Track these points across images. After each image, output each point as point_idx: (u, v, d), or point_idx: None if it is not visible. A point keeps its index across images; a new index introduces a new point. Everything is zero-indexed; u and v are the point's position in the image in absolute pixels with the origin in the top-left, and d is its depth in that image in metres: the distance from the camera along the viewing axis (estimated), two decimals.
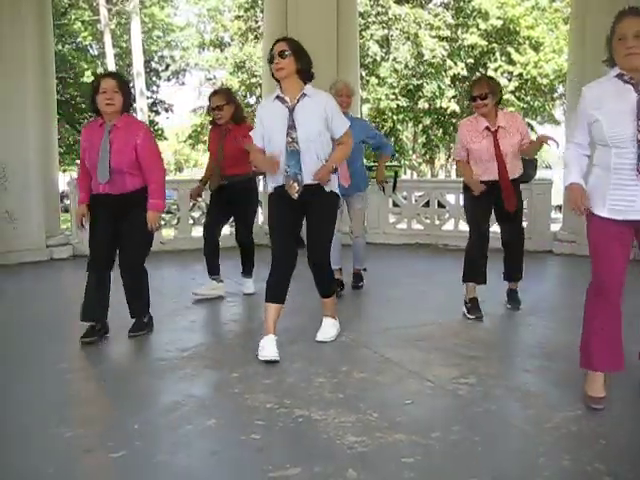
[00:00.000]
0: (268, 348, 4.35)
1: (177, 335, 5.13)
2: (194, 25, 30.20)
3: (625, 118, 3.39)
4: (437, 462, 2.92)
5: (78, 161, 5.37)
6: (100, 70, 27.21)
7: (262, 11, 18.39)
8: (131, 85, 27.50)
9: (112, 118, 4.77)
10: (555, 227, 9.91)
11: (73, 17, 26.77)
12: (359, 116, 7.08)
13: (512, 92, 25.31)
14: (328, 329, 4.90)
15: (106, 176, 4.74)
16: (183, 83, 31.43)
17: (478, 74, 22.71)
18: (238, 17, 26.72)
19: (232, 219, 6.71)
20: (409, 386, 3.86)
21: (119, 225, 4.85)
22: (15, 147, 8.36)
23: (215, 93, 6.31)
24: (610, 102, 3.45)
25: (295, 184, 4.50)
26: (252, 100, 27.40)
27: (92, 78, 25.41)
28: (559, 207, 12.49)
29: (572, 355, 4.40)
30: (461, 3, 25.96)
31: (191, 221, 10.23)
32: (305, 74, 4.59)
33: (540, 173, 10.18)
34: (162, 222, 10.03)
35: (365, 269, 6.98)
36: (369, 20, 24.32)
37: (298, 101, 4.50)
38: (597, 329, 3.55)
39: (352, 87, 6.64)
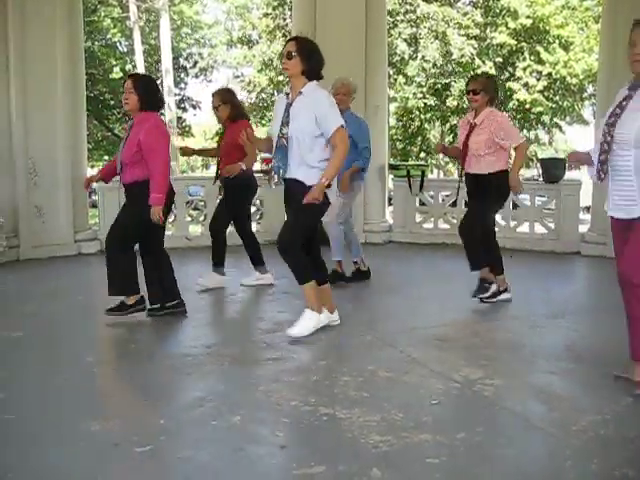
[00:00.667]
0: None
1: (202, 331, 5.16)
2: (222, 23, 30.32)
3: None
4: (462, 463, 2.90)
5: (107, 157, 5.62)
6: (129, 67, 27.47)
7: (290, 9, 18.41)
8: (159, 82, 27.74)
9: (133, 115, 5.23)
10: (583, 228, 9.81)
11: (103, 14, 26.97)
12: (361, 116, 7.04)
13: (540, 92, 25.07)
14: (303, 322, 4.84)
15: (118, 166, 5.24)
16: (211, 80, 31.49)
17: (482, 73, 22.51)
18: (266, 15, 26.73)
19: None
20: (434, 386, 3.84)
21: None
22: (45, 143, 8.44)
23: (213, 94, 6.59)
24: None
25: (275, 176, 4.78)
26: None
27: (121, 74, 25.75)
28: (587, 208, 12.38)
29: (599, 358, 4.37)
30: (490, 2, 25.75)
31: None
32: (311, 74, 4.70)
33: (569, 174, 10.08)
34: (189, 218, 10.14)
35: (357, 262, 6.96)
36: (397, 18, 24.22)
37: (295, 99, 4.71)
38: None
39: (351, 85, 6.79)
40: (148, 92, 5.20)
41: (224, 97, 6.51)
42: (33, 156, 8.38)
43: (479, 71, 24.61)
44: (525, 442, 3.16)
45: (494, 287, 5.86)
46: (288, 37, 7.24)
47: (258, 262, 6.70)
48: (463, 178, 6.06)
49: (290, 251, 4.81)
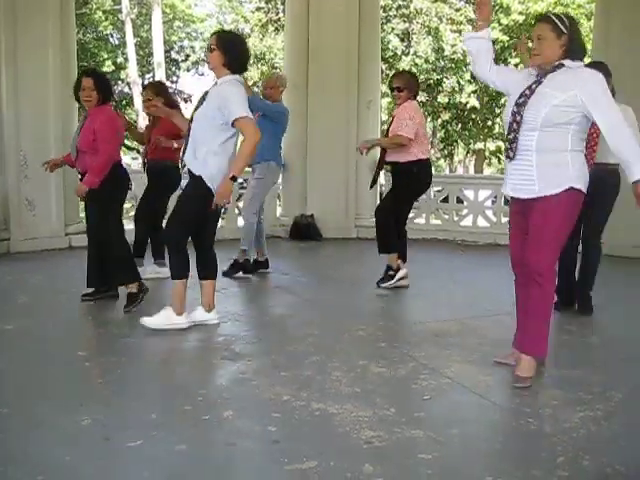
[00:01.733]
0: None
1: (194, 326, 5.14)
2: (214, 16, 30.25)
3: None
4: (454, 459, 2.90)
5: None
6: (120, 59, 27.38)
7: (283, 3, 18.37)
8: (150, 75, 27.67)
9: (89, 108, 5.55)
10: None
11: (94, 6, 26.86)
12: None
13: None
14: (158, 316, 4.86)
15: (74, 154, 5.58)
16: (203, 74, 31.42)
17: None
18: (259, 9, 26.68)
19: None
20: (427, 382, 3.84)
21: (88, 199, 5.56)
22: (36, 135, 8.39)
23: (144, 87, 7.00)
24: None
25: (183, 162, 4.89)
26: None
27: (112, 67, 25.69)
28: None
29: (593, 356, 4.39)
30: None
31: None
32: (232, 65, 4.77)
33: None
34: None
35: (245, 252, 6.82)
36: (390, 13, 24.21)
37: (211, 88, 4.85)
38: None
39: (278, 78, 7.22)
40: (105, 88, 5.54)
41: (157, 89, 6.75)
42: (24, 149, 8.33)
43: (471, 68, 24.67)
44: (518, 439, 3.17)
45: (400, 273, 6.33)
46: (280, 32, 7.39)
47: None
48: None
49: (172, 242, 4.86)
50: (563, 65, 3.76)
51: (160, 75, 24.58)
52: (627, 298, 6.24)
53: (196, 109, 4.83)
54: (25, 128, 8.31)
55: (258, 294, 6.20)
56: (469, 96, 25.53)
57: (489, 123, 26.70)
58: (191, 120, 4.83)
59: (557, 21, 3.77)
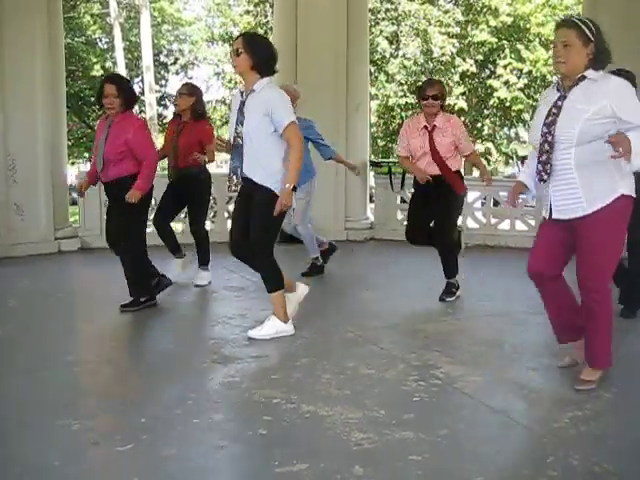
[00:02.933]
0: None
1: (184, 329, 5.14)
2: (203, 19, 30.19)
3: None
4: (444, 460, 2.91)
5: (87, 154, 5.66)
6: (109, 63, 27.30)
7: (272, 6, 18.37)
8: (139, 79, 27.63)
9: (113, 115, 5.41)
10: None
11: (83, 10, 26.79)
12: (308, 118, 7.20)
13: (521, 89, 25.18)
14: (265, 326, 4.81)
15: (100, 164, 5.39)
16: (192, 77, 31.31)
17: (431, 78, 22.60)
18: (247, 12, 26.67)
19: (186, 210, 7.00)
20: (417, 383, 3.84)
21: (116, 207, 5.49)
22: (24, 140, 8.36)
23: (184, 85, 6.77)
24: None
25: (234, 177, 4.72)
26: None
27: (101, 72, 25.58)
28: None
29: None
30: (471, 0, 25.86)
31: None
32: (261, 68, 4.60)
33: None
34: None
35: (317, 258, 7.17)
36: (379, 16, 24.25)
37: (248, 96, 4.63)
38: None
39: (297, 91, 6.89)
40: (129, 94, 5.47)
41: (193, 90, 6.53)
42: (12, 153, 8.30)
43: (460, 70, 24.75)
44: (506, 438, 3.18)
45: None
46: (269, 35, 7.34)
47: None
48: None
49: (262, 255, 4.76)
50: (585, 77, 3.59)
51: (149, 79, 24.54)
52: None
53: (239, 123, 4.65)
54: (13, 132, 8.26)
55: (247, 297, 6.19)
56: (457, 98, 25.58)
57: (478, 125, 26.75)
58: (237, 134, 4.66)
59: (584, 27, 3.58)
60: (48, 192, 8.60)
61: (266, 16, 25.26)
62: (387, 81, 25.38)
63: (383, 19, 24.51)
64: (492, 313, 5.52)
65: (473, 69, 25.26)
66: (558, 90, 3.70)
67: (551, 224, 3.81)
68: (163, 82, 30.50)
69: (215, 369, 4.17)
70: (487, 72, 26.10)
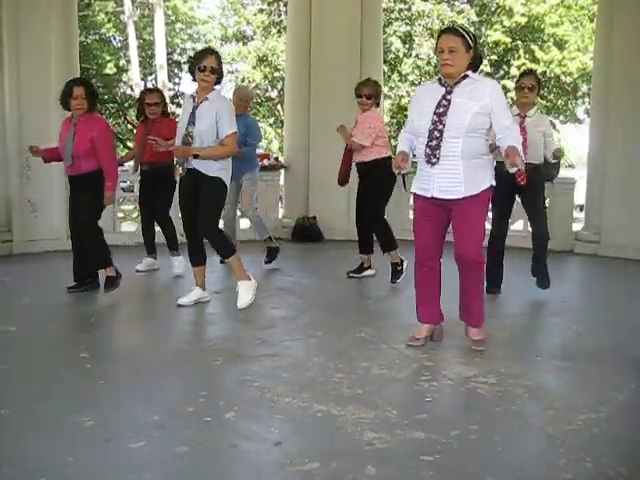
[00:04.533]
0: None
1: (196, 327, 5.15)
2: (217, 18, 30.24)
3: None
4: (456, 461, 2.90)
5: None
6: (122, 62, 27.39)
7: (285, 5, 18.37)
8: (152, 77, 27.71)
9: (79, 115, 5.96)
10: (577, 227, 9.83)
11: (97, 8, 26.87)
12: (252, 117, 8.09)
13: None
14: (242, 294, 5.36)
15: (69, 160, 5.93)
16: None
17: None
18: (261, 10, 26.66)
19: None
20: (429, 383, 3.83)
21: (79, 198, 6.02)
22: (38, 138, 8.34)
23: (151, 91, 7.39)
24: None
25: (180, 168, 5.59)
26: (274, 94, 27.34)
27: (115, 70, 25.68)
28: (581, 207, 12.40)
29: (595, 357, 4.39)
30: (485, 0, 25.77)
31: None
32: (219, 83, 5.49)
33: (563, 172, 10.10)
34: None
35: (270, 238, 7.83)
36: (392, 16, 24.19)
37: (201, 102, 5.35)
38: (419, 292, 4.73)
39: (246, 93, 7.97)
40: (93, 97, 6.06)
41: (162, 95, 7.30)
42: (26, 151, 8.33)
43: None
44: (519, 440, 3.17)
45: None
46: (283, 34, 7.84)
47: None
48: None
49: (213, 232, 5.41)
50: (467, 76, 4.22)
51: (162, 77, 24.59)
52: (629, 299, 6.23)
53: (190, 123, 5.39)
54: (28, 130, 8.31)
55: (261, 295, 6.19)
56: None
57: None
58: (187, 133, 5.38)
59: (467, 36, 4.19)
60: (61, 189, 8.63)
61: (280, 15, 25.25)
62: (400, 81, 25.33)
63: (397, 19, 24.44)
64: (505, 314, 5.49)
65: (487, 69, 25.15)
66: (442, 85, 4.26)
67: (429, 209, 4.41)
68: (177, 80, 30.57)
69: (227, 367, 4.18)
70: (501, 72, 25.98)
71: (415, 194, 4.47)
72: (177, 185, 6.79)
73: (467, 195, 4.24)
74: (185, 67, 29.94)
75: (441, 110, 4.18)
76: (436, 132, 4.17)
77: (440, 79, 4.31)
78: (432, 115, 4.20)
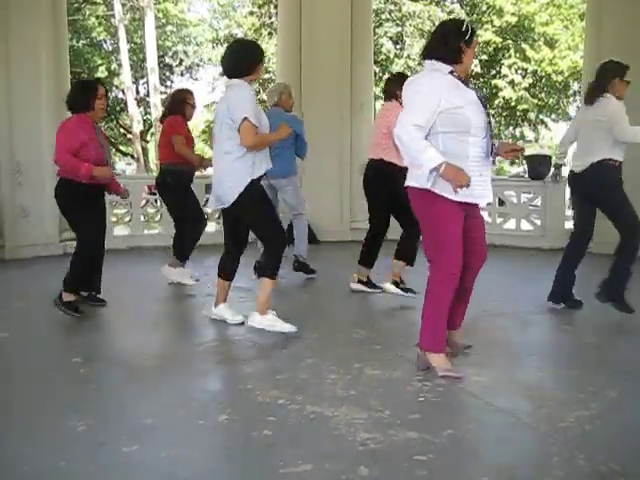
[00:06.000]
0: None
1: (189, 330, 5.14)
2: (208, 21, 30.23)
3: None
4: (449, 460, 2.90)
5: None
6: (114, 65, 27.35)
7: (276, 7, 18.38)
8: (144, 81, 27.69)
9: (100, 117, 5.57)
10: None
11: (87, 12, 26.86)
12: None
13: (526, 89, 25.17)
14: (257, 320, 5.03)
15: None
16: (197, 78, 31.48)
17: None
18: (252, 13, 26.69)
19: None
20: (422, 383, 3.84)
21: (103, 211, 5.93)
22: (29, 143, 8.39)
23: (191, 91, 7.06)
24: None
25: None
26: (265, 96, 27.34)
27: (106, 73, 25.65)
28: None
29: (587, 356, 4.40)
30: (475, 0, 25.84)
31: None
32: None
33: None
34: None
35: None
36: (382, 17, 24.24)
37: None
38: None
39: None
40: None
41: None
42: (18, 156, 8.33)
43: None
44: (512, 438, 3.17)
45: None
46: (274, 36, 7.62)
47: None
48: None
49: (278, 236, 5.00)
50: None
51: (154, 80, 24.57)
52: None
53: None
54: (18, 136, 8.32)
55: (254, 298, 6.19)
56: None
57: None
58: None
59: None
60: (53, 194, 8.62)
61: (270, 17, 25.28)
62: None
63: (387, 20, 24.50)
64: (498, 313, 5.50)
65: (478, 69, 25.24)
66: (463, 82, 3.82)
67: (459, 210, 3.85)
68: (168, 83, 30.56)
69: (220, 370, 4.18)
70: (492, 72, 26.06)
71: (444, 198, 3.78)
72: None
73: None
74: (177, 70, 30.00)
75: (485, 110, 3.84)
76: (490, 127, 3.82)
77: (452, 72, 3.80)
78: (484, 109, 3.80)
